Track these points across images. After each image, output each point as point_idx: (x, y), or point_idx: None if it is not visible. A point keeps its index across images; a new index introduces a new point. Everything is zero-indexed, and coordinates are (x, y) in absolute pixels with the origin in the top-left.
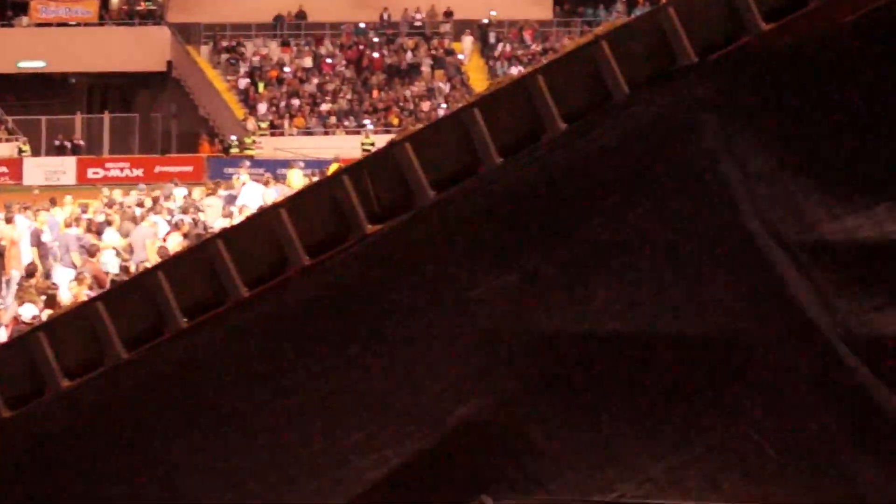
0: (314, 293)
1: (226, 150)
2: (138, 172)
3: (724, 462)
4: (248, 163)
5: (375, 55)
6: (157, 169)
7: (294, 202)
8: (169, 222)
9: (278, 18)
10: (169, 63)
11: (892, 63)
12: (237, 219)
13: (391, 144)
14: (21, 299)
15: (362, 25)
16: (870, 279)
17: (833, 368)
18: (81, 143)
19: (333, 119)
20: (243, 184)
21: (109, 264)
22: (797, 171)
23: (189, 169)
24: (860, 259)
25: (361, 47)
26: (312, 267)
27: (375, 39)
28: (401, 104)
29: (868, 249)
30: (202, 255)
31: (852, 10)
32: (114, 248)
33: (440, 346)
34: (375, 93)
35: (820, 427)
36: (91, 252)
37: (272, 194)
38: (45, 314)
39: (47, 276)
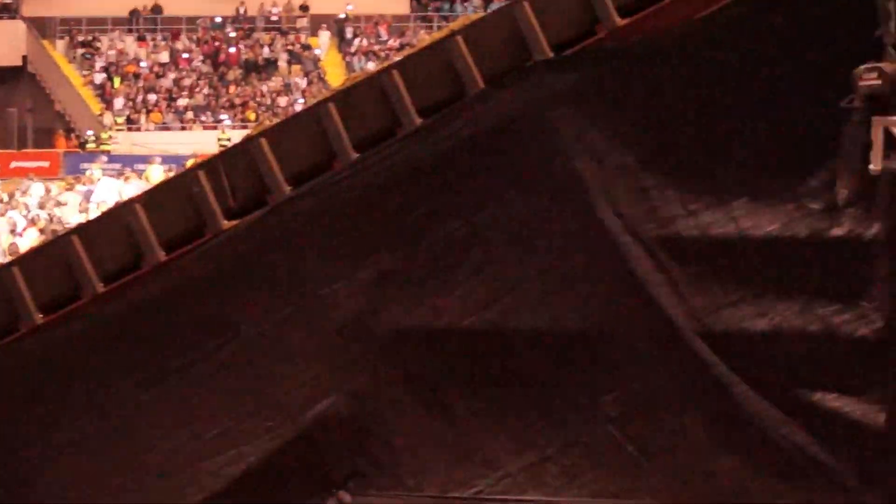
0: (171, 288)
1: (82, 145)
2: None
3: (582, 458)
4: (104, 158)
5: (232, 50)
6: (13, 164)
7: (149, 197)
8: (25, 217)
9: (134, 13)
10: (24, 58)
11: (743, 58)
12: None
13: (247, 139)
14: None
15: (219, 20)
16: (726, 275)
17: (691, 365)
18: None
19: (190, 114)
20: (98, 179)
21: None
22: (653, 167)
23: (45, 164)
24: (716, 254)
25: (218, 42)
26: (169, 262)
27: (232, 34)
28: (258, 99)
29: (724, 245)
30: (57, 250)
31: (704, 6)
32: None
33: (296, 342)
34: (232, 88)
35: (679, 424)
36: None
37: (131, 190)
38: None
39: None
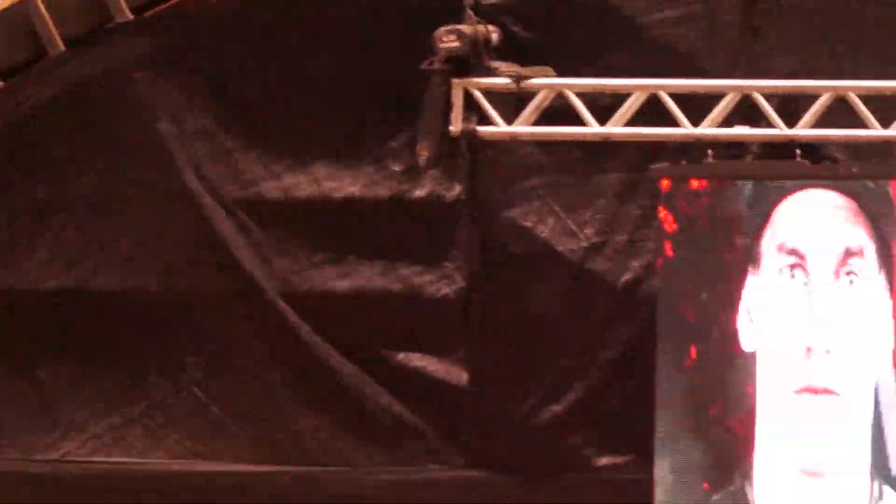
0: None
1: None
2: None
3: (167, 420)
4: None
5: None
6: None
7: None
8: None
9: None
10: None
11: (324, 19)
12: None
13: None
14: None
15: None
16: (308, 237)
17: (275, 327)
18: None
19: None
20: None
21: None
22: (234, 130)
23: None
24: (299, 216)
25: None
26: None
27: None
28: None
29: (306, 207)
30: None
31: None
32: None
33: None
34: None
35: (264, 385)
36: None
37: None
38: None
39: None
